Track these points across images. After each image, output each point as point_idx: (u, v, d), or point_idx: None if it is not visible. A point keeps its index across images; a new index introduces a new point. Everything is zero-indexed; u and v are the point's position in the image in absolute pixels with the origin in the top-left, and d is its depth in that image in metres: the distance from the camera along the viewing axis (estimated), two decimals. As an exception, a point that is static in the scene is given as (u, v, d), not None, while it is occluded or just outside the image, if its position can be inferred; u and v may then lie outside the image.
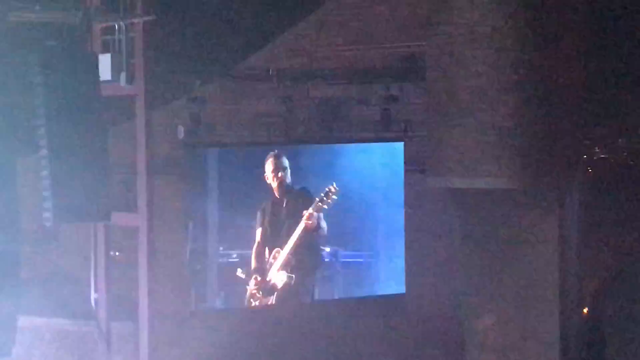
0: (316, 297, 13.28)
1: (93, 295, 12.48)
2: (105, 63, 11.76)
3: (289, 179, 12.88)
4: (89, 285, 12.56)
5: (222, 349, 13.41)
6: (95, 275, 12.47)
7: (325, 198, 12.75)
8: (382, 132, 13.00)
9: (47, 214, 10.41)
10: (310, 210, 12.74)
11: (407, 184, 12.85)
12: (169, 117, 13.65)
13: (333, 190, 12.73)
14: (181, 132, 12.48)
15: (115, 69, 11.92)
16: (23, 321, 11.74)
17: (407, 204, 12.84)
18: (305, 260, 12.95)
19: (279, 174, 12.80)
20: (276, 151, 12.84)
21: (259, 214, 12.98)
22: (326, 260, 13.31)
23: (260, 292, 12.84)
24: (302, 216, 12.77)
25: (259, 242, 12.95)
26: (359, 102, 13.35)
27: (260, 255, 12.91)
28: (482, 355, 12.58)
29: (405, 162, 12.91)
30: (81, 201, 10.54)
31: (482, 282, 12.44)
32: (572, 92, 12.07)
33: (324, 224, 12.90)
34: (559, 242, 12.07)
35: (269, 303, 12.92)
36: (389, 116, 12.99)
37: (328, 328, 13.82)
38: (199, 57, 13.30)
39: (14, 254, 10.95)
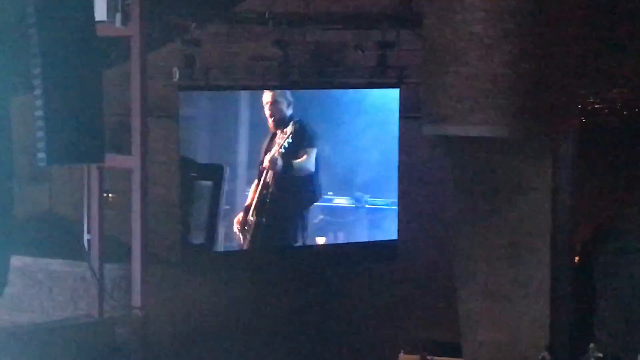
0: (307, 240, 13.25)
1: (86, 237, 12.50)
2: (100, 3, 11.67)
3: (283, 113, 12.85)
4: (82, 227, 12.58)
5: (212, 292, 13.49)
6: (88, 217, 12.50)
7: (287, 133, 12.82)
8: (377, 78, 12.94)
9: (41, 155, 10.36)
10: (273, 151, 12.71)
11: (402, 131, 12.83)
12: (164, 59, 13.57)
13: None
14: (176, 74, 12.40)
15: (111, 9, 11.84)
16: (16, 261, 11.75)
17: (401, 151, 12.82)
18: (284, 202, 12.97)
19: (271, 107, 12.81)
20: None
21: (262, 151, 13.03)
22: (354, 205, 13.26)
23: (238, 231, 12.89)
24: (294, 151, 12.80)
25: (257, 179, 13.01)
26: (355, 48, 13.25)
27: (253, 192, 12.97)
28: (472, 301, 12.69)
29: (400, 109, 12.86)
30: (75, 142, 10.48)
31: (474, 229, 12.50)
32: (567, 42, 12.02)
33: (298, 163, 12.88)
34: (552, 190, 12.10)
35: (242, 244, 12.96)
36: (384, 62, 12.91)
37: (317, 273, 13.94)
38: (195, -1, 13.19)
39: (7, 193, 10.89)
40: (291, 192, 13.16)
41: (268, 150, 13.01)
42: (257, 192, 12.94)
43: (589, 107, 15.61)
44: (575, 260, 13.68)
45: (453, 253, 12.72)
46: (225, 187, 12.78)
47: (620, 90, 16.36)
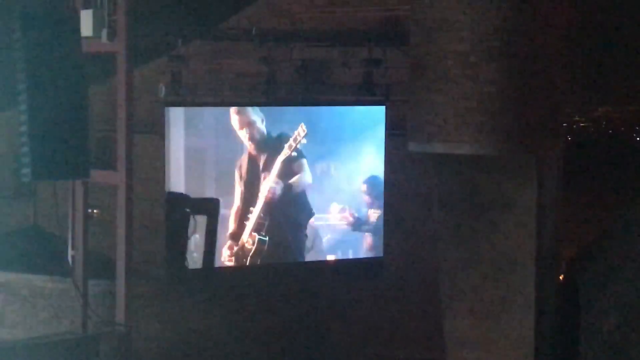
0: (307, 256, 13.14)
1: (70, 253, 12.46)
2: (86, 19, 11.67)
3: (260, 133, 12.70)
4: (66, 243, 12.54)
5: (198, 309, 13.46)
6: (73, 233, 12.45)
7: (293, 143, 12.62)
8: (363, 96, 12.97)
9: (25, 170, 10.34)
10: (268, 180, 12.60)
11: (388, 148, 12.85)
12: (150, 75, 13.59)
13: (302, 132, 12.60)
14: (162, 90, 12.39)
15: (97, 25, 11.83)
16: (-1, 277, 11.73)
17: (388, 168, 12.84)
18: (283, 218, 12.87)
19: (250, 129, 12.65)
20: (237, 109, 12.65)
21: (236, 173, 12.77)
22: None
23: (233, 259, 12.75)
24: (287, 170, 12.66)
25: (238, 205, 12.84)
26: (342, 65, 13.29)
27: (238, 219, 12.81)
28: (458, 321, 12.69)
29: (386, 127, 12.89)
30: (60, 158, 10.47)
31: (459, 247, 12.51)
32: (553, 60, 12.08)
33: (295, 181, 12.74)
34: (537, 208, 12.13)
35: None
36: (371, 79, 12.94)
37: (304, 290, 13.92)
38: (182, 15, 13.21)
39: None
40: (290, 209, 13.01)
41: (251, 171, 12.75)
42: (254, 216, 12.74)
43: (575, 126, 15.72)
44: (560, 279, 13.71)
45: (438, 271, 12.73)
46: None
47: (605, 109, 16.47)
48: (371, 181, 13.10)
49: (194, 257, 12.55)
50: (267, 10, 14.21)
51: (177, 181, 12.33)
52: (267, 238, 12.76)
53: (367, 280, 13.85)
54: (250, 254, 12.76)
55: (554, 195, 12.61)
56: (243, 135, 12.62)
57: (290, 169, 12.90)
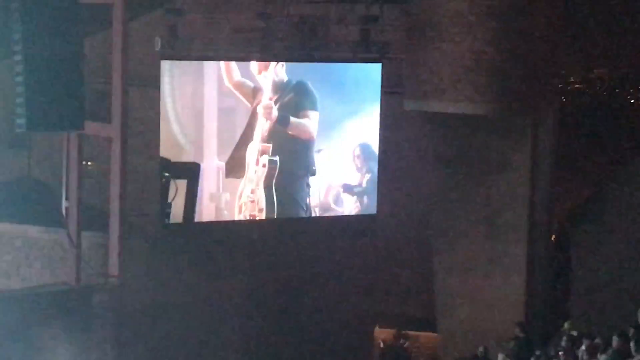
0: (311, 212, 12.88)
1: (64, 204, 12.46)
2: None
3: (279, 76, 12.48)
4: (61, 194, 12.54)
5: (189, 262, 13.50)
6: (67, 184, 12.45)
7: None
8: (360, 53, 12.88)
9: (20, 121, 10.33)
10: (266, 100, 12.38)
11: (383, 106, 12.81)
12: (146, 29, 13.50)
13: None
14: (158, 43, 12.30)
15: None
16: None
17: (383, 125, 12.80)
18: (289, 171, 12.75)
19: (264, 75, 12.34)
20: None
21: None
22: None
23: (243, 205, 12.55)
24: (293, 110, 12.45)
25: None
26: (338, 22, 13.21)
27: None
28: (450, 278, 12.78)
29: (382, 84, 12.83)
30: (55, 109, 10.47)
31: (453, 205, 12.57)
32: (550, 22, 12.06)
33: (297, 120, 12.50)
34: (531, 169, 12.18)
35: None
36: (367, 37, 12.85)
37: (295, 244, 13.97)
38: (179, -33, 13.09)
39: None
40: (294, 160, 12.67)
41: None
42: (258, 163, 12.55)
43: (569, 88, 15.70)
44: (553, 239, 13.79)
45: (431, 228, 12.79)
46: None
47: (600, 71, 16.44)
48: (364, 147, 12.98)
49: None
50: (265, -35, 14.08)
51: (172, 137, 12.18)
52: (277, 158, 12.58)
53: (360, 237, 13.90)
54: (264, 178, 12.57)
55: (549, 156, 12.65)
56: (261, 78, 12.53)
57: (295, 112, 12.76)
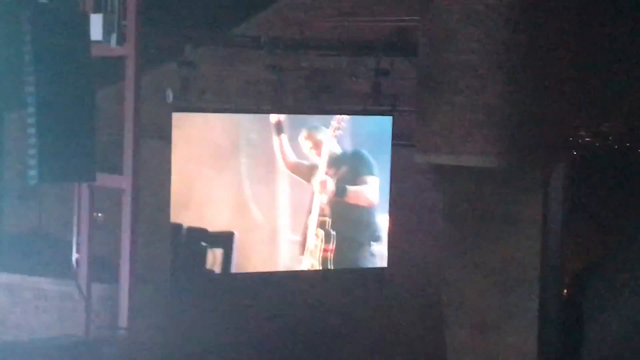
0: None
1: (74, 256, 12.47)
2: (96, 23, 11.69)
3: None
4: (71, 245, 12.55)
5: (200, 314, 13.46)
6: (78, 236, 12.46)
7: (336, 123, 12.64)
8: (371, 105, 12.96)
9: (32, 172, 10.36)
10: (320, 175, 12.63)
11: (394, 159, 12.84)
12: (158, 81, 13.59)
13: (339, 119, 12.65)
14: (170, 96, 12.40)
15: (107, 29, 11.85)
16: (3, 278, 11.75)
17: (393, 178, 12.83)
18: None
19: (315, 152, 12.69)
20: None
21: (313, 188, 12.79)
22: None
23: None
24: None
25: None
26: (350, 74, 13.30)
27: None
28: (461, 332, 12.67)
29: (393, 137, 12.88)
30: (67, 160, 10.51)
31: (463, 259, 12.50)
32: (560, 74, 12.09)
33: (355, 189, 12.77)
34: (542, 222, 12.12)
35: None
36: (378, 89, 12.94)
37: (306, 298, 13.92)
38: (191, 21, 13.23)
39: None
40: (355, 228, 12.98)
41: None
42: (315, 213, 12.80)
43: (581, 141, 15.69)
44: (564, 293, 13.68)
45: (442, 282, 12.71)
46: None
47: (612, 124, 16.45)
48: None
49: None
50: (277, 19, 14.24)
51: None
52: (334, 232, 12.79)
53: (370, 289, 13.84)
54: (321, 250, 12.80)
55: (560, 210, 12.60)
56: (313, 154, 12.75)
57: (353, 180, 12.95)
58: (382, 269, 13.03)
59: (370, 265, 12.96)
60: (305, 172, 12.73)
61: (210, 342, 13.36)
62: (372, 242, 13.01)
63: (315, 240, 12.75)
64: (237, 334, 13.75)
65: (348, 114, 13.18)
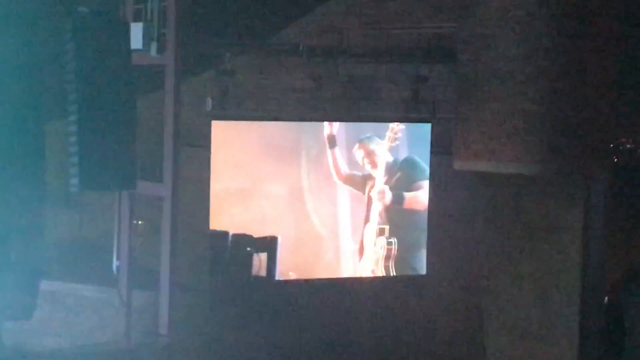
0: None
1: (115, 263, 12.56)
2: (136, 32, 11.77)
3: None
4: (112, 253, 12.64)
5: (241, 321, 13.49)
6: (118, 243, 12.55)
7: (392, 134, 12.72)
8: (410, 113, 12.95)
9: (73, 180, 10.48)
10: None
11: (433, 166, 12.81)
12: (197, 89, 13.67)
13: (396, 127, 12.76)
14: (209, 103, 12.46)
15: (147, 38, 11.94)
16: (44, 285, 11.82)
17: (432, 185, 12.79)
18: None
19: (367, 160, 12.82)
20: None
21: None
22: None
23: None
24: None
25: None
26: (388, 82, 13.29)
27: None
28: (500, 339, 12.60)
29: (431, 144, 12.86)
30: (108, 169, 10.62)
31: (504, 267, 12.43)
32: (602, 81, 11.99)
33: (411, 195, 12.89)
34: (583, 230, 12.03)
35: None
36: (417, 97, 12.93)
37: (344, 305, 13.89)
38: (230, 29, 13.29)
39: (38, 218, 11.03)
40: (413, 232, 13.10)
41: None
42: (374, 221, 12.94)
43: (622, 148, 15.52)
44: (606, 302, 13.55)
45: (482, 289, 12.65)
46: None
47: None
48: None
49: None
50: (315, 26, 14.25)
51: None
52: (394, 240, 12.90)
53: (410, 297, 13.80)
54: (383, 258, 12.91)
55: (601, 217, 12.49)
56: (366, 164, 12.87)
57: (412, 180, 13.01)
58: (421, 276, 13.05)
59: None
60: (359, 183, 12.84)
61: (253, 350, 13.39)
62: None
63: (375, 248, 12.86)
64: (284, 340, 13.74)
65: (386, 121, 13.18)
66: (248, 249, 12.50)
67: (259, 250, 12.52)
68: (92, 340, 12.75)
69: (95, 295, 13.12)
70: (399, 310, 14.06)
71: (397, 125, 12.78)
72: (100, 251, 13.84)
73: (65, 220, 14.56)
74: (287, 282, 12.78)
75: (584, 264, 12.10)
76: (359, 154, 12.80)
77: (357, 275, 12.87)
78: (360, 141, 12.78)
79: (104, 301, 13.03)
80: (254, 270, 12.50)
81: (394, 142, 12.74)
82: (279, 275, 12.60)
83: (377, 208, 12.83)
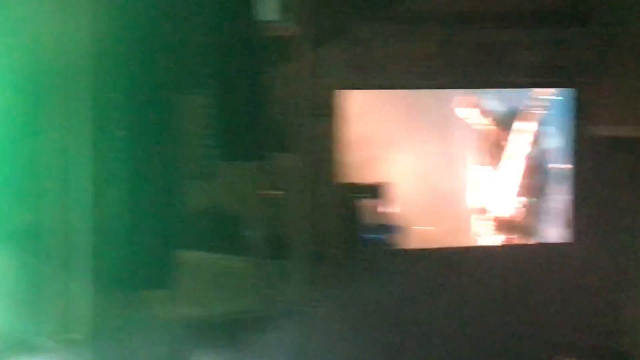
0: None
1: (250, 233, 12.71)
2: (267, 2, 11.83)
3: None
4: (246, 223, 12.79)
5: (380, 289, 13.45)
6: (253, 213, 12.67)
7: None
8: (547, 78, 12.65)
9: (211, 152, 10.67)
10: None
11: (572, 132, 12.53)
12: (328, 59, 13.60)
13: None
14: (341, 73, 12.45)
15: (277, 8, 11.97)
16: (181, 256, 12.05)
17: (573, 152, 12.53)
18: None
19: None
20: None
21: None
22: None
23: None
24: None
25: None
26: (523, 47, 12.97)
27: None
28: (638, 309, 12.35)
29: (570, 110, 12.57)
30: (243, 140, 10.79)
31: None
32: None
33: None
34: None
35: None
36: (553, 61, 12.61)
37: (487, 273, 13.70)
38: (362, -3, 13.19)
39: (175, 190, 11.27)
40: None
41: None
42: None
43: None
44: None
45: (625, 259, 12.38)
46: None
47: None
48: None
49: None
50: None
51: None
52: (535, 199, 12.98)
53: (555, 266, 13.51)
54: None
55: None
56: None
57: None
58: (567, 244, 12.88)
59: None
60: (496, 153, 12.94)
61: (386, 315, 13.34)
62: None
63: (515, 214, 12.77)
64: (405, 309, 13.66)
65: (521, 88, 12.93)
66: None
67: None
68: (229, 309, 12.93)
69: (231, 265, 13.28)
70: (543, 279, 13.79)
71: (539, 92, 12.59)
72: (235, 222, 14.01)
73: (201, 192, 14.74)
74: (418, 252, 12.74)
75: None
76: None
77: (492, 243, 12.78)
78: (498, 113, 12.67)
79: (240, 271, 13.19)
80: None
81: (537, 112, 12.58)
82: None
83: (515, 175, 12.64)
